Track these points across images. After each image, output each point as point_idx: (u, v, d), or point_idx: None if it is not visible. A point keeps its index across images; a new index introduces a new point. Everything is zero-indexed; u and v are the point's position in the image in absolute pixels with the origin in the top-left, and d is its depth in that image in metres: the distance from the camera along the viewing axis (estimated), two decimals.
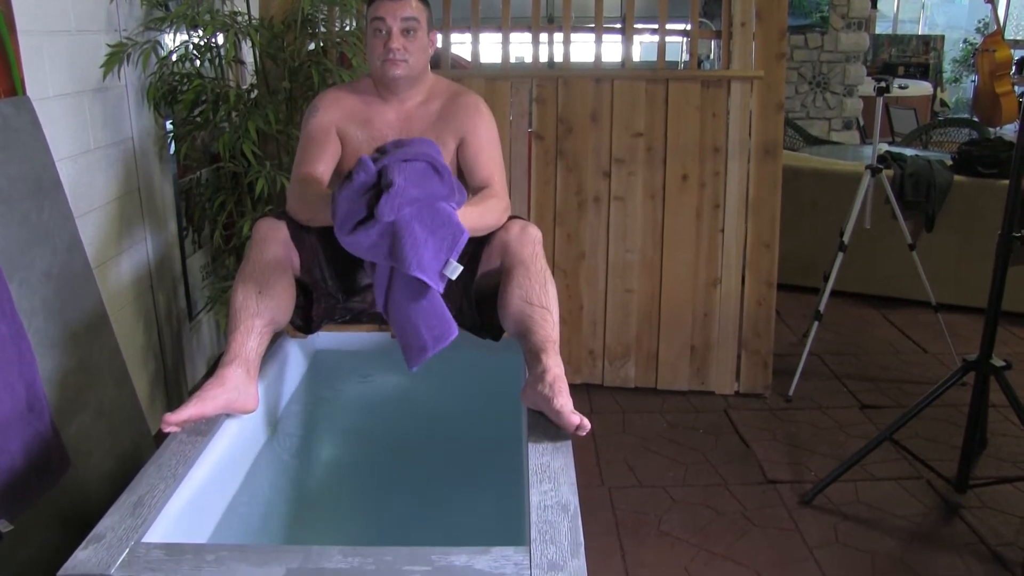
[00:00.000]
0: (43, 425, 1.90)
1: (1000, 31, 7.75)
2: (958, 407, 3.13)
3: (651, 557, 2.40)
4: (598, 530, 2.52)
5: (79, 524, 1.81)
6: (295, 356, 2.22)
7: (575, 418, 1.61)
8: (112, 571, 1.25)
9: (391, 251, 1.69)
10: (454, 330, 1.76)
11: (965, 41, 10.68)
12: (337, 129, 2.10)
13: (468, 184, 2.10)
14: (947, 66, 10.48)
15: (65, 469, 1.95)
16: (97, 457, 2.15)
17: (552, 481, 1.49)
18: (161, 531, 1.39)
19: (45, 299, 2.05)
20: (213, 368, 1.77)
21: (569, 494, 1.45)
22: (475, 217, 1.91)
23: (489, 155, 2.08)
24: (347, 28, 3.26)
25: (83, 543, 1.32)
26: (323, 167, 2.06)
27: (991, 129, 6.51)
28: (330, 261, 2.03)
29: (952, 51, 10.66)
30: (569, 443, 1.63)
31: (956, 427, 3.03)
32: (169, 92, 2.88)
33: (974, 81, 8.88)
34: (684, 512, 2.63)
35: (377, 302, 1.81)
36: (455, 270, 1.72)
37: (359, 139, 2.11)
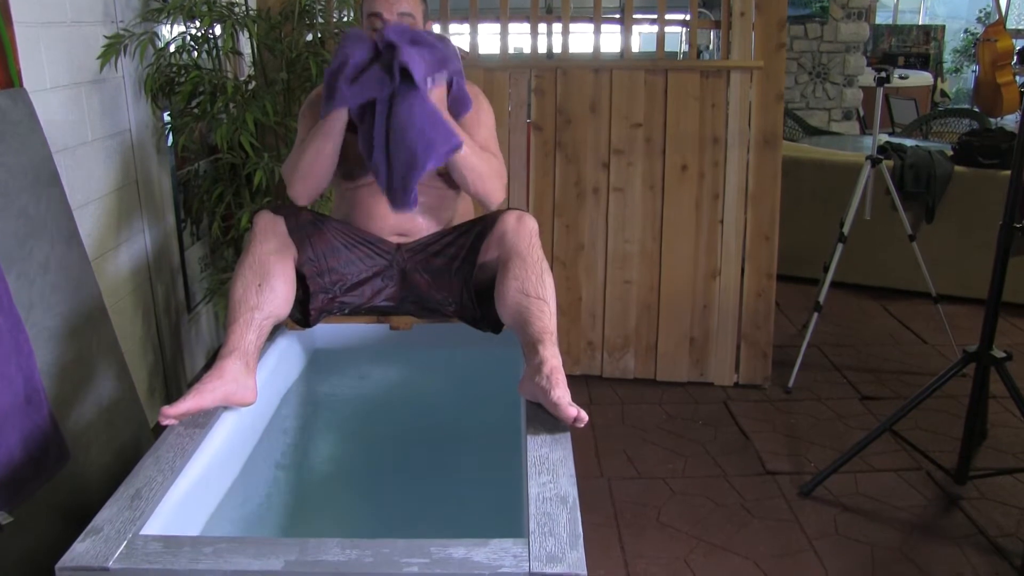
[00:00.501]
0: (41, 418, 1.90)
1: (1002, 20, 7.73)
2: (958, 398, 3.13)
3: (650, 548, 2.40)
4: (597, 521, 2.52)
5: (78, 516, 1.81)
6: (294, 349, 2.21)
7: (572, 410, 1.60)
8: (110, 564, 1.25)
9: (387, 66, 1.87)
10: (459, 137, 1.90)
11: (966, 31, 10.65)
12: None
13: None
14: (948, 56, 10.45)
15: (64, 461, 1.95)
16: (96, 449, 2.15)
17: (551, 473, 1.49)
18: (159, 524, 1.39)
19: (43, 292, 2.05)
20: (212, 360, 1.77)
21: (568, 486, 1.45)
22: (474, 150, 1.98)
23: (487, 135, 2.12)
24: (344, 19, 3.25)
25: (81, 536, 1.31)
26: None
27: (992, 119, 6.49)
28: (328, 255, 2.03)
29: (953, 41, 10.63)
30: (568, 435, 1.63)
31: (956, 418, 3.03)
32: (166, 83, 2.87)
33: (975, 71, 8.86)
34: (683, 503, 2.63)
35: (375, 148, 1.88)
36: (442, 78, 1.94)
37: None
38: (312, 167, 2.01)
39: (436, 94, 1.94)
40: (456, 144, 1.88)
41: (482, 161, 2.01)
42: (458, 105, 2.04)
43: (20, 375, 1.86)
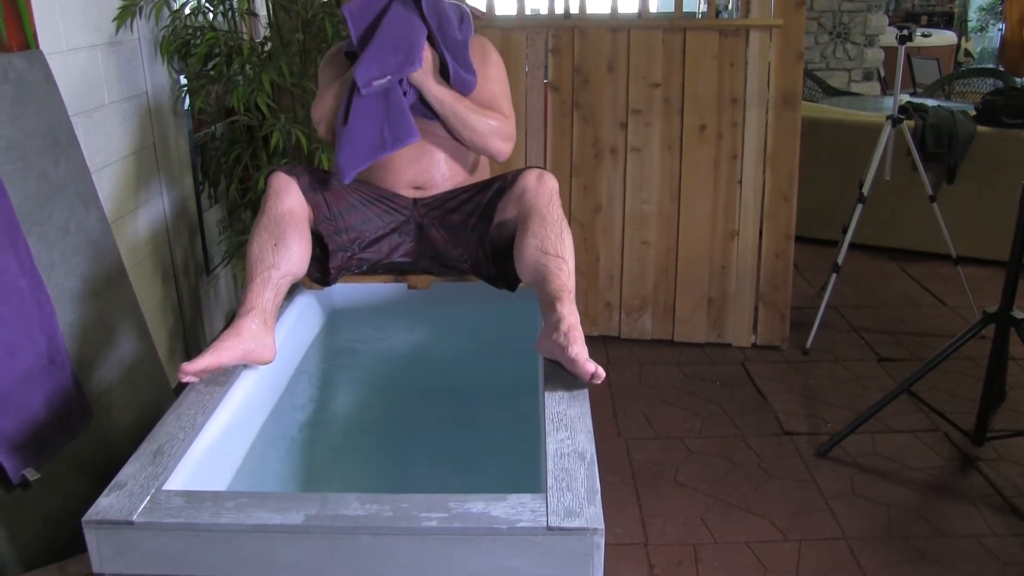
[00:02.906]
0: (65, 377, 1.93)
1: None
2: (976, 360, 3.11)
3: (667, 507, 2.42)
4: (615, 480, 2.53)
5: (102, 472, 1.84)
6: (312, 307, 2.23)
7: (590, 366, 1.61)
8: (134, 517, 1.27)
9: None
10: (416, 133, 1.99)
11: None
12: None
13: None
14: (972, 14, 10.24)
15: (87, 420, 1.98)
16: (118, 409, 2.18)
17: (568, 429, 1.50)
18: (181, 479, 1.41)
19: (63, 253, 2.06)
20: (231, 322, 1.78)
21: (586, 442, 1.45)
22: (468, 108, 2.04)
23: (496, 91, 2.13)
24: None
25: (105, 490, 1.33)
26: None
27: (1018, 79, 6.38)
28: (345, 212, 2.03)
29: None
30: (586, 392, 1.63)
31: (974, 380, 3.01)
32: (182, 46, 2.86)
33: (1001, 29, 8.68)
34: (700, 463, 2.64)
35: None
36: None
37: None
38: (334, 98, 2.05)
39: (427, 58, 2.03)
40: (409, 140, 2.00)
41: (479, 119, 2.05)
42: (459, 85, 2.07)
43: (43, 336, 1.88)
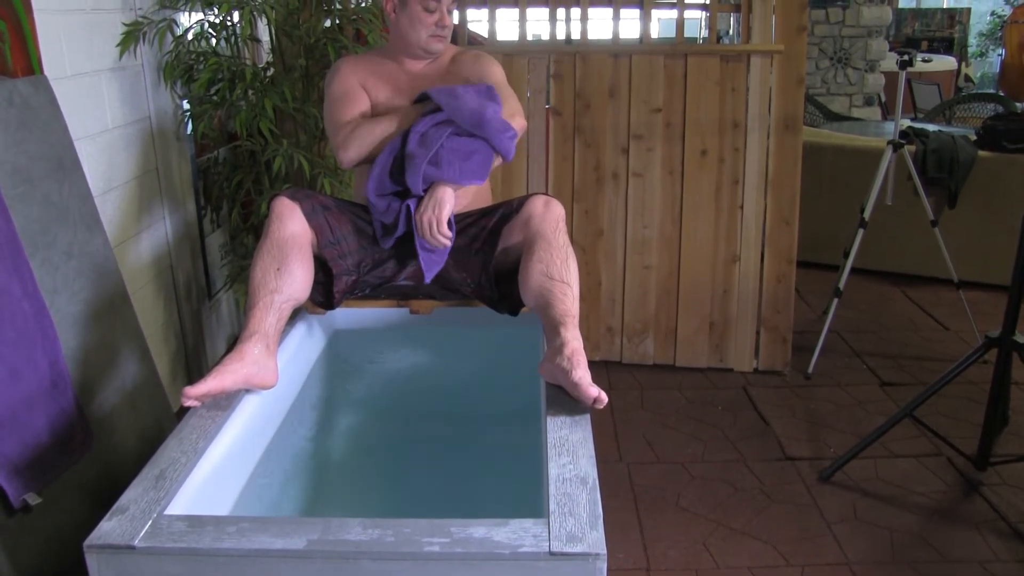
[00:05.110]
0: (67, 401, 1.93)
1: None
2: (979, 384, 3.11)
3: (669, 532, 2.41)
4: (616, 505, 2.52)
5: (104, 496, 1.83)
6: (315, 332, 2.23)
7: (593, 391, 1.61)
8: (136, 542, 1.27)
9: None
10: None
11: (993, 13, 10.48)
12: (361, 86, 2.20)
13: None
14: (972, 40, 10.31)
15: (89, 444, 1.98)
16: (120, 433, 2.18)
17: (571, 454, 1.50)
18: (183, 503, 1.41)
19: (66, 277, 2.07)
20: (233, 346, 1.78)
21: (588, 467, 1.45)
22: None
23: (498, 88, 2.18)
24: (362, 4, 3.24)
25: (107, 515, 1.33)
26: (361, 113, 2.15)
27: (1018, 104, 6.41)
28: (349, 236, 2.04)
29: (979, 24, 10.49)
30: (588, 416, 1.63)
31: (977, 404, 3.01)
32: (185, 71, 2.88)
33: (1001, 55, 8.74)
34: (702, 488, 2.63)
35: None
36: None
37: (378, 96, 2.20)
38: (373, 145, 2.08)
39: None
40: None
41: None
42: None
43: (45, 359, 1.88)
